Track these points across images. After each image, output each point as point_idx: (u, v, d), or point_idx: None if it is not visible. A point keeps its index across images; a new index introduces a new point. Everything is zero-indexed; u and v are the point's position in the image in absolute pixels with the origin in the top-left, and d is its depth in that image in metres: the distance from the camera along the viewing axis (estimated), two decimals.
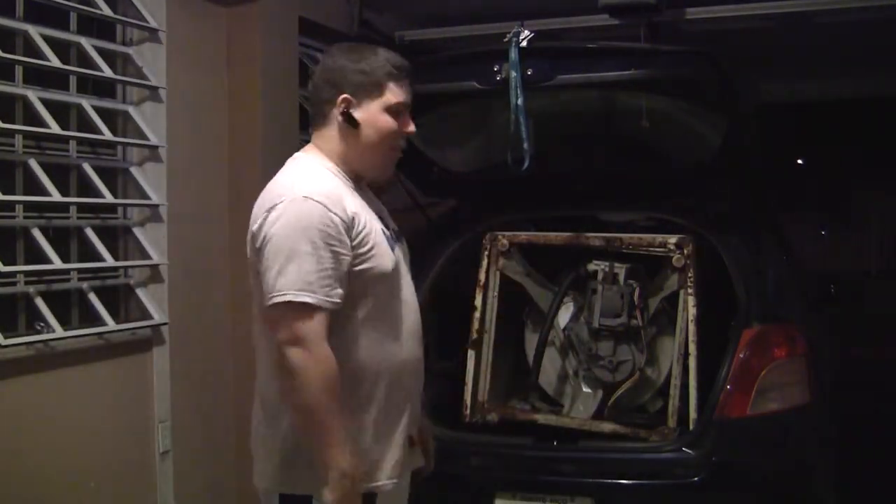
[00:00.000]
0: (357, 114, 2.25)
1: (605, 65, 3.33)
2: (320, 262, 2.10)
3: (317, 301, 2.09)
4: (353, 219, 2.17)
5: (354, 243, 2.17)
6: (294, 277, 2.08)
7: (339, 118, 2.26)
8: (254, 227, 2.19)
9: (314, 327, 2.08)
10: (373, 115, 2.25)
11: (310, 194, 2.14)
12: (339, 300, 2.13)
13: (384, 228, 2.30)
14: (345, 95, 2.24)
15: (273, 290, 2.10)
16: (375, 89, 2.24)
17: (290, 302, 2.08)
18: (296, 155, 2.35)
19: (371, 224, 2.23)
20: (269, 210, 2.15)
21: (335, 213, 2.14)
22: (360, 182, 2.34)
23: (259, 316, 2.23)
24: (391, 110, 2.26)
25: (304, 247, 2.09)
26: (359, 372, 2.21)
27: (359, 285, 2.19)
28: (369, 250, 2.20)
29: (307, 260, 2.09)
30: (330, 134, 2.29)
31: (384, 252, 2.24)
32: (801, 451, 3.34)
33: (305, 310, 2.08)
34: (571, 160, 3.99)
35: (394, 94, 2.26)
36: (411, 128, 2.32)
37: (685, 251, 3.43)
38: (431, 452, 2.56)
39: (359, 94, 2.24)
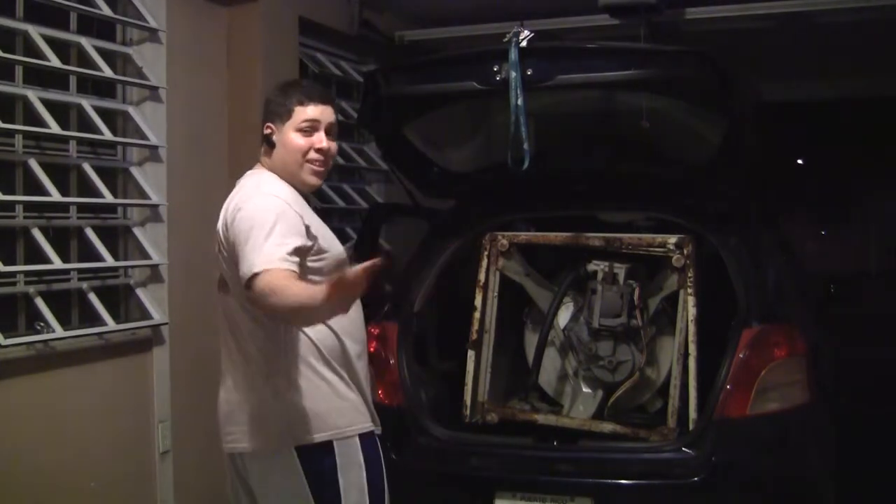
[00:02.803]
0: (275, 137, 2.68)
1: (605, 65, 3.33)
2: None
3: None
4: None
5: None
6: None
7: (264, 141, 2.71)
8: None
9: None
10: (285, 136, 2.67)
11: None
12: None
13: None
14: (268, 123, 2.70)
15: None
16: (286, 115, 2.67)
17: None
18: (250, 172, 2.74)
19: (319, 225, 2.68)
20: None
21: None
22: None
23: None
24: (301, 129, 2.66)
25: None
26: (341, 337, 2.62)
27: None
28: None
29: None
30: (265, 156, 2.72)
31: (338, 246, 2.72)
32: (801, 451, 3.33)
33: None
34: (571, 160, 3.99)
35: (301, 114, 2.66)
36: (321, 144, 2.67)
37: (685, 251, 3.43)
38: None
39: (276, 121, 2.68)
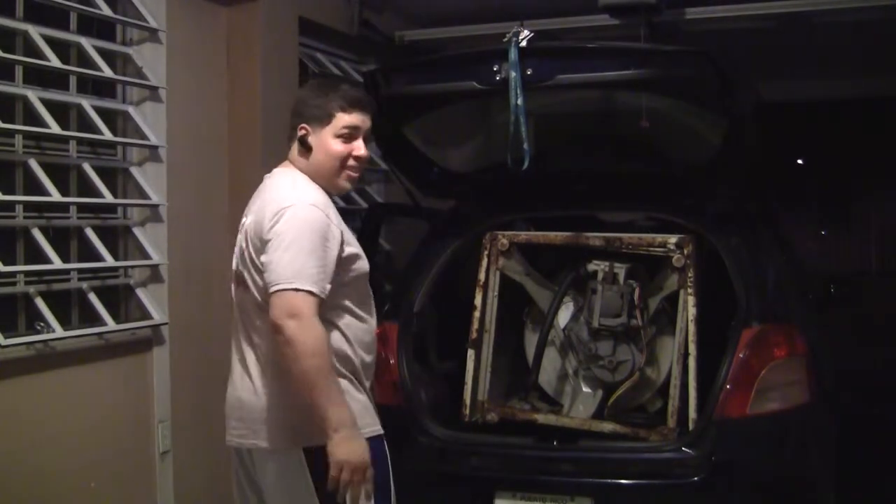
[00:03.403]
0: (311, 139, 2.65)
1: (605, 65, 3.33)
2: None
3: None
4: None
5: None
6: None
7: (297, 142, 2.68)
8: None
9: None
10: (323, 140, 2.64)
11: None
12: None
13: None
14: (303, 125, 2.66)
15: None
16: (326, 119, 2.64)
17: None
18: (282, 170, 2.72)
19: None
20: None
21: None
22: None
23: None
24: (341, 135, 2.64)
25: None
26: (354, 346, 2.64)
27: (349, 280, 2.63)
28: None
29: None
30: (295, 154, 2.69)
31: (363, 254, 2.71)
32: (801, 451, 3.34)
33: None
34: (571, 160, 3.99)
35: (342, 121, 2.64)
36: (359, 151, 2.67)
37: (685, 251, 3.43)
38: None
39: (314, 123, 2.65)
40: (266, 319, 2.53)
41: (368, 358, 2.70)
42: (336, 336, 2.59)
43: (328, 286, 2.49)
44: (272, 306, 2.45)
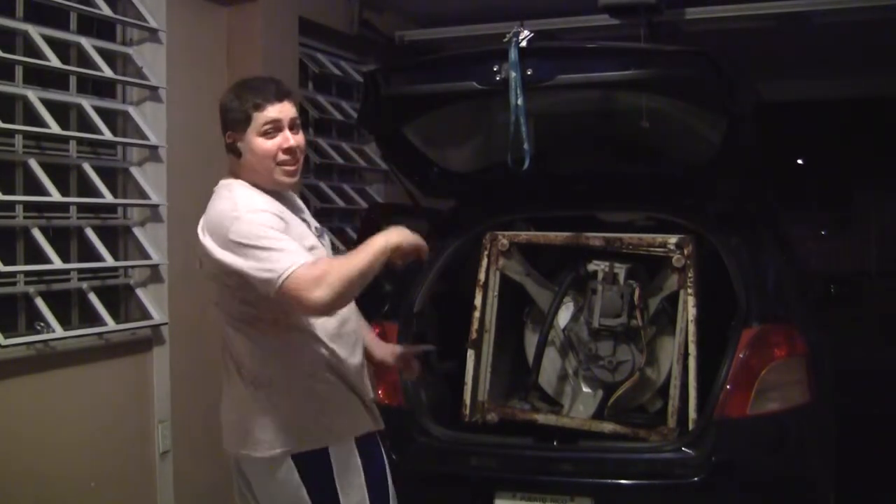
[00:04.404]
0: (240, 145, 2.58)
1: (605, 65, 3.33)
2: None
3: None
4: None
5: None
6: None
7: (228, 150, 2.63)
8: None
9: None
10: (249, 143, 2.57)
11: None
12: None
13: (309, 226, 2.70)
14: (229, 132, 2.60)
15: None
16: (245, 121, 2.56)
17: None
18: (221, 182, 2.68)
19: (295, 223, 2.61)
20: None
21: None
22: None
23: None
24: (265, 133, 2.56)
25: None
26: (327, 343, 2.58)
27: None
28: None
29: None
30: (232, 163, 2.64)
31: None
32: (801, 451, 3.33)
33: None
34: (571, 160, 3.99)
35: (260, 119, 2.55)
36: (287, 143, 2.57)
37: (685, 251, 3.43)
38: None
39: (237, 128, 2.58)
40: (238, 331, 2.57)
41: (348, 348, 2.61)
42: (306, 339, 2.54)
43: (306, 252, 2.47)
44: (290, 306, 2.42)
